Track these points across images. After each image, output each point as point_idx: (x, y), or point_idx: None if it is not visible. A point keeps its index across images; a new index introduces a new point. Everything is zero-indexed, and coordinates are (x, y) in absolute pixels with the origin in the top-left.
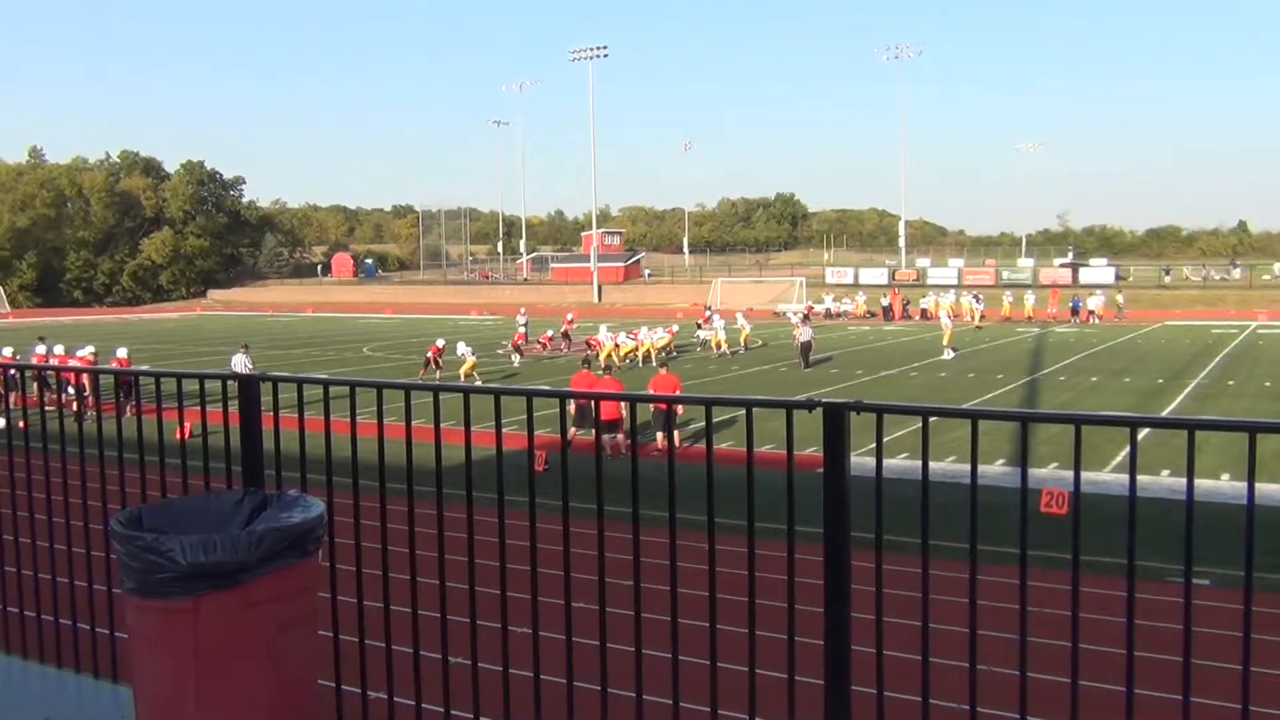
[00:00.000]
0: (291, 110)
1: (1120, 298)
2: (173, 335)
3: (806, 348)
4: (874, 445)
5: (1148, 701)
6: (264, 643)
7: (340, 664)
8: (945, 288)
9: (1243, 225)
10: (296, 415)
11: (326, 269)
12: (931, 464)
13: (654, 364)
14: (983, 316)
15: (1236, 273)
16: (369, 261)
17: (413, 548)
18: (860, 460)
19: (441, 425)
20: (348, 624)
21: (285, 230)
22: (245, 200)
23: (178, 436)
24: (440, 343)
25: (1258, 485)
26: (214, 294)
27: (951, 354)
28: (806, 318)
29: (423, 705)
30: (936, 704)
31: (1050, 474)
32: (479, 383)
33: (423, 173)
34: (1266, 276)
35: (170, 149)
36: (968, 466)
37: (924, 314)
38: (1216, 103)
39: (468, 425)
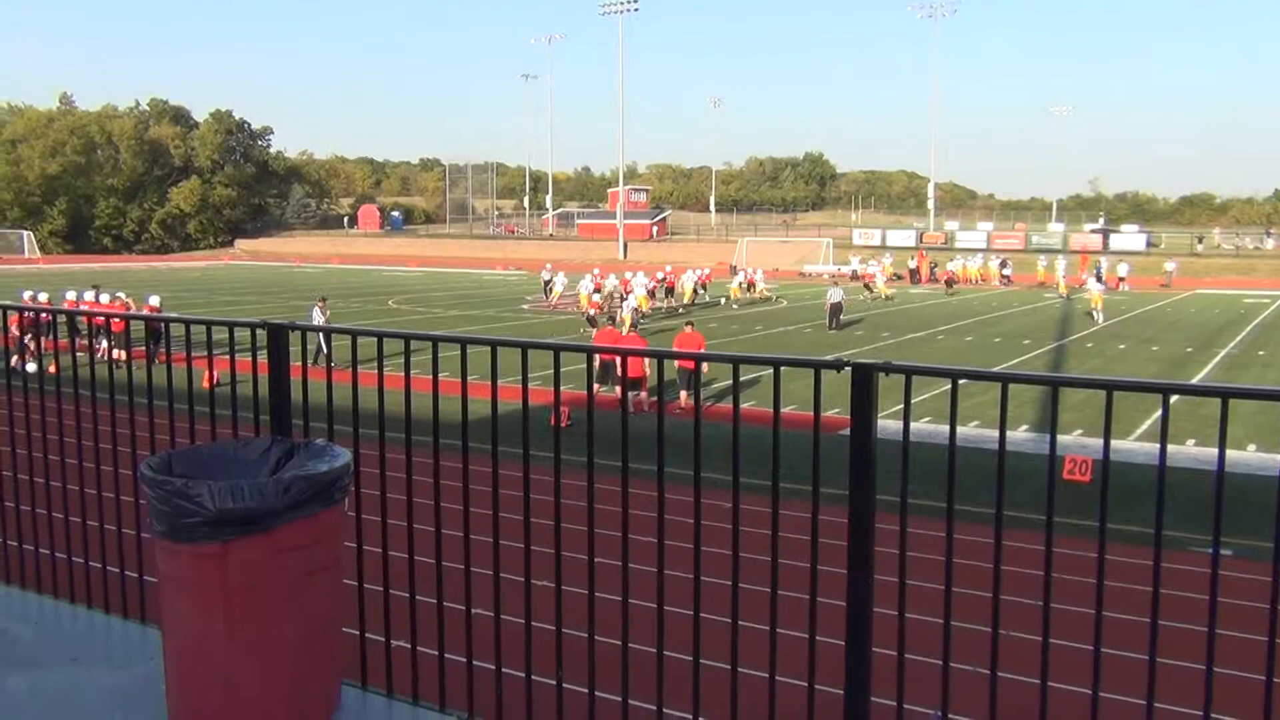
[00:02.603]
0: (320, 61)
1: (1170, 266)
2: (200, 284)
3: (836, 309)
4: (898, 408)
5: (1170, 670)
6: (290, 588)
7: (365, 612)
8: (973, 251)
9: (1278, 193)
10: (324, 365)
11: (353, 220)
12: (958, 428)
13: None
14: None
15: (1270, 242)
16: (395, 214)
17: (437, 499)
18: (885, 423)
19: (468, 379)
20: (373, 573)
21: (312, 181)
22: (273, 151)
23: (204, 384)
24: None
25: None
26: (241, 244)
27: (1100, 319)
28: (857, 277)
29: (445, 655)
30: (957, 667)
31: (1074, 441)
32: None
33: (450, 126)
34: None
35: (199, 98)
36: (993, 431)
37: (950, 277)
38: (1255, 69)
39: (494, 379)
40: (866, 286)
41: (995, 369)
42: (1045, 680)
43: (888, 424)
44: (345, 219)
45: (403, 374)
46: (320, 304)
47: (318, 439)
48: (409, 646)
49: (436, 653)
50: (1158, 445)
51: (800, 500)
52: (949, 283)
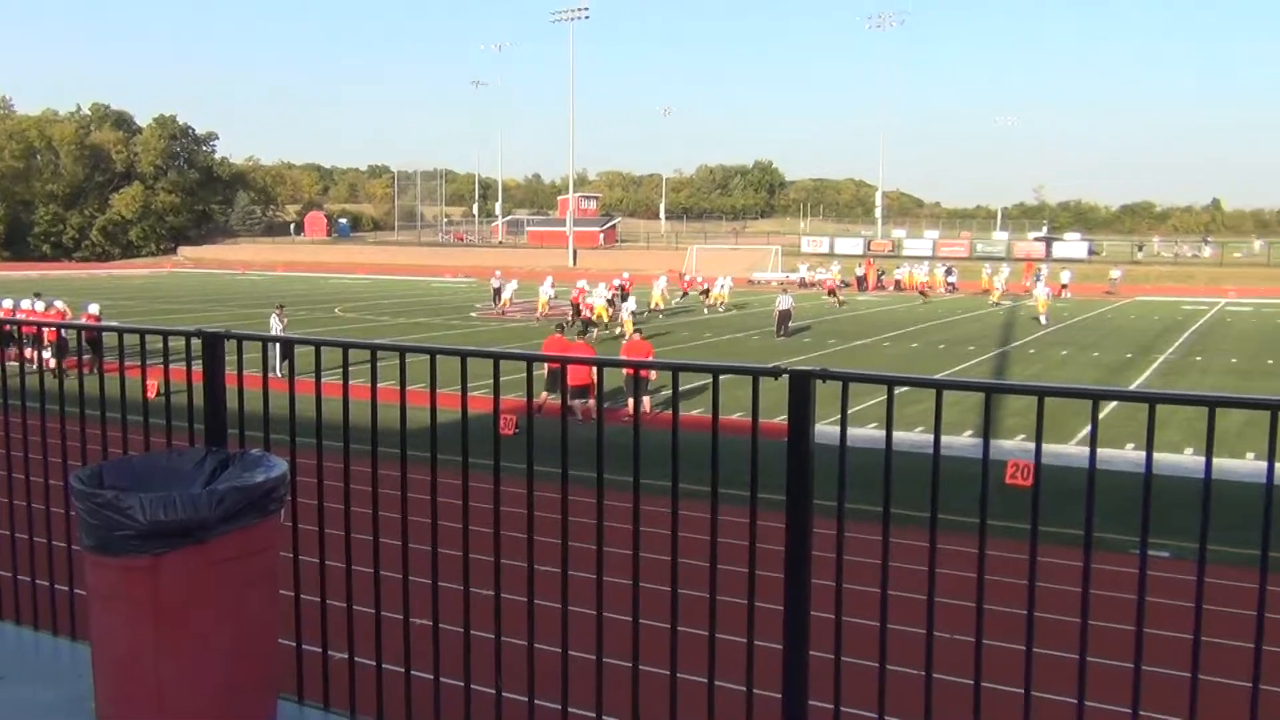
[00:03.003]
0: (267, 67)
1: (1116, 273)
2: (141, 292)
3: (785, 316)
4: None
5: (1102, 669)
6: (224, 601)
7: (301, 623)
8: (920, 259)
9: (1216, 203)
10: (261, 374)
11: (299, 228)
12: (899, 434)
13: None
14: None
15: (1208, 250)
16: (342, 221)
17: (376, 508)
18: (828, 429)
19: (408, 387)
20: (309, 584)
21: (258, 188)
22: (218, 157)
23: (149, 394)
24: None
25: (1219, 461)
26: (184, 251)
27: (1045, 322)
28: (805, 284)
29: (383, 665)
30: (894, 669)
31: (1017, 446)
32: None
33: (399, 132)
34: (1237, 254)
35: (142, 103)
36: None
37: (897, 285)
38: (1194, 79)
39: (433, 386)
40: (831, 292)
41: (938, 375)
42: (979, 681)
43: (831, 430)
44: (292, 226)
45: (340, 382)
46: (278, 311)
47: (254, 449)
48: (346, 658)
49: (374, 663)
50: (1098, 450)
51: (741, 506)
52: (922, 293)
